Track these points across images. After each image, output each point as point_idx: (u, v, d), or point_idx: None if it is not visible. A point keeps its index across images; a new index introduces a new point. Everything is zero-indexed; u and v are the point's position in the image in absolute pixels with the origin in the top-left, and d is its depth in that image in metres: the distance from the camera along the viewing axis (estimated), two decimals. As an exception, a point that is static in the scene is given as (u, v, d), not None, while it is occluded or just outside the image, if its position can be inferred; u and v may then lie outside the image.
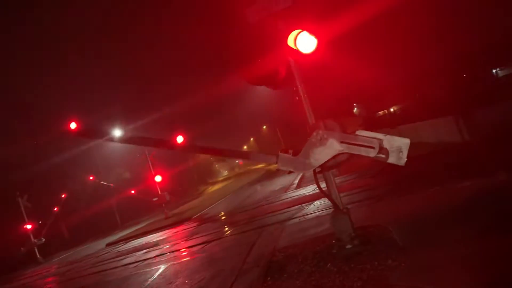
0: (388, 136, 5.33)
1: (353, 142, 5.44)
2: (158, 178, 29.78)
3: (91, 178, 37.17)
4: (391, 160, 5.30)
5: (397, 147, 5.27)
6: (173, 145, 7.08)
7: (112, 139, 8.99)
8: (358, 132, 5.44)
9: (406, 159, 5.21)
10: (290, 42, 5.87)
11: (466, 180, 8.32)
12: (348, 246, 6.08)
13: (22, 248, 28.45)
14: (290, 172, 6.23)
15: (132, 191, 36.38)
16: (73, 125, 6.91)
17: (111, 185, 37.29)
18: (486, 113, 14.66)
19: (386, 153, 5.27)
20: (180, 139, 7.03)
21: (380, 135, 5.35)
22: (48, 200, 32.91)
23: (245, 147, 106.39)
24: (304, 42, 5.75)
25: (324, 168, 5.89)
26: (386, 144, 5.28)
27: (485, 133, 13.60)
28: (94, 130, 8.33)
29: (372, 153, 5.29)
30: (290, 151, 5.90)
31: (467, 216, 6.14)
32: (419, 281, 4.57)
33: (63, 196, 32.47)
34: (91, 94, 60.06)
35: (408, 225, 6.69)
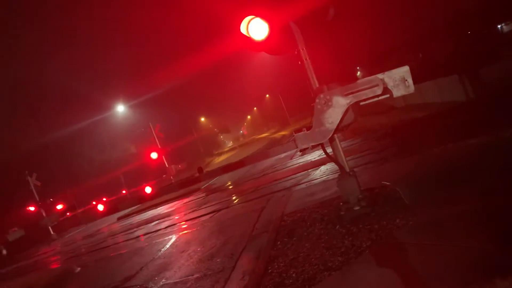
0: (386, 73, 5.28)
1: (356, 89, 5.39)
2: (154, 155, 28.41)
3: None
4: (400, 92, 5.26)
5: (400, 78, 5.22)
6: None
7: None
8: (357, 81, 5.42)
9: (413, 86, 5.17)
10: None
11: (471, 138, 8.29)
12: (356, 208, 6.13)
13: (40, 222, 28.96)
14: (301, 150, 6.17)
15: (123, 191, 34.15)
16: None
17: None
18: (491, 70, 14.46)
19: (390, 91, 5.23)
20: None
21: (378, 75, 5.30)
22: (57, 178, 33.17)
23: (248, 116, 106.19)
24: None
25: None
26: (387, 80, 5.23)
27: (490, 91, 13.46)
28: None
29: (378, 90, 5.23)
30: (304, 128, 5.85)
31: (473, 174, 6.15)
32: (426, 238, 4.64)
33: (94, 203, 31.88)
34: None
35: (414, 184, 6.73)
